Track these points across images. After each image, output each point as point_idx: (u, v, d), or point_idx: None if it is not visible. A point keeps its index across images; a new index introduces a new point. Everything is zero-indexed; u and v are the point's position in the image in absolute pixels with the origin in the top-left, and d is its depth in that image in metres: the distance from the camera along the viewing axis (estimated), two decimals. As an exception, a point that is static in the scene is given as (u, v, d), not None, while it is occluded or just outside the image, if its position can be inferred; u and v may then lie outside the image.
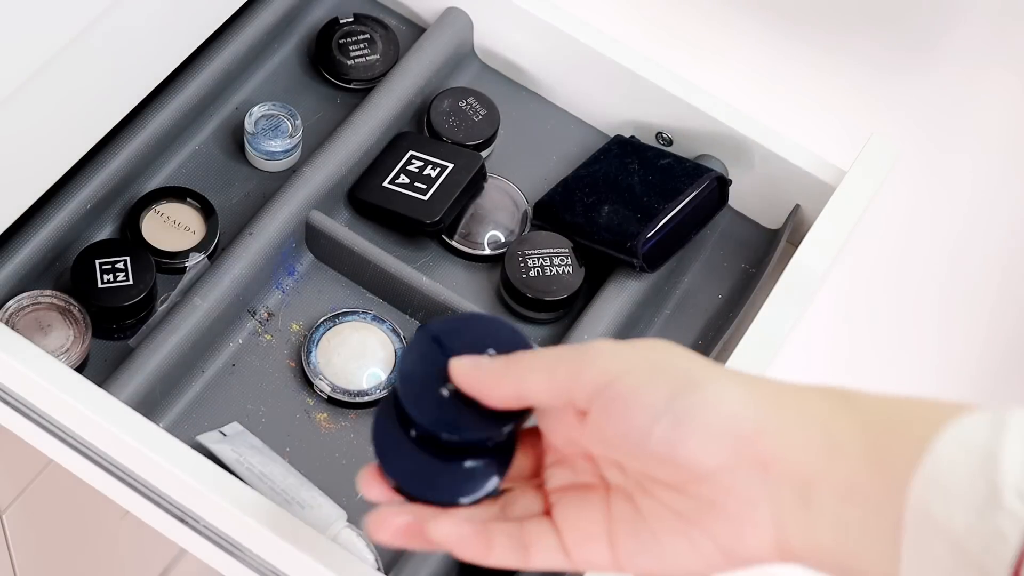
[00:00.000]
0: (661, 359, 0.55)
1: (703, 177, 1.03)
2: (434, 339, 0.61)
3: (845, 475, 0.52)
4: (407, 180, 1.04)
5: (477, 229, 1.05)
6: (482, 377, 0.58)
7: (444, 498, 0.58)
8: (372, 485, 0.61)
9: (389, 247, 1.04)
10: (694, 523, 0.55)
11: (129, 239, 1.00)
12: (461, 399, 0.59)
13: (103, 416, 0.87)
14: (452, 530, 0.57)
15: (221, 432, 0.95)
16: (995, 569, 0.48)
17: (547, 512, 0.60)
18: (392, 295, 1.02)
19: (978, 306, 1.48)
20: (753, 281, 1.05)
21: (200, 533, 0.90)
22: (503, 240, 1.05)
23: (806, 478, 0.53)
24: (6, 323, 0.93)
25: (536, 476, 0.62)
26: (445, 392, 0.60)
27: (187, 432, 0.95)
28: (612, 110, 1.10)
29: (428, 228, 1.03)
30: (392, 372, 0.99)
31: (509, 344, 0.60)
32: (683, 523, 0.55)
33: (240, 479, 0.89)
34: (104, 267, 0.97)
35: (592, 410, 0.55)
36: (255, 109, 1.05)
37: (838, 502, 0.52)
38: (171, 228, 1.01)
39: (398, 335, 1.00)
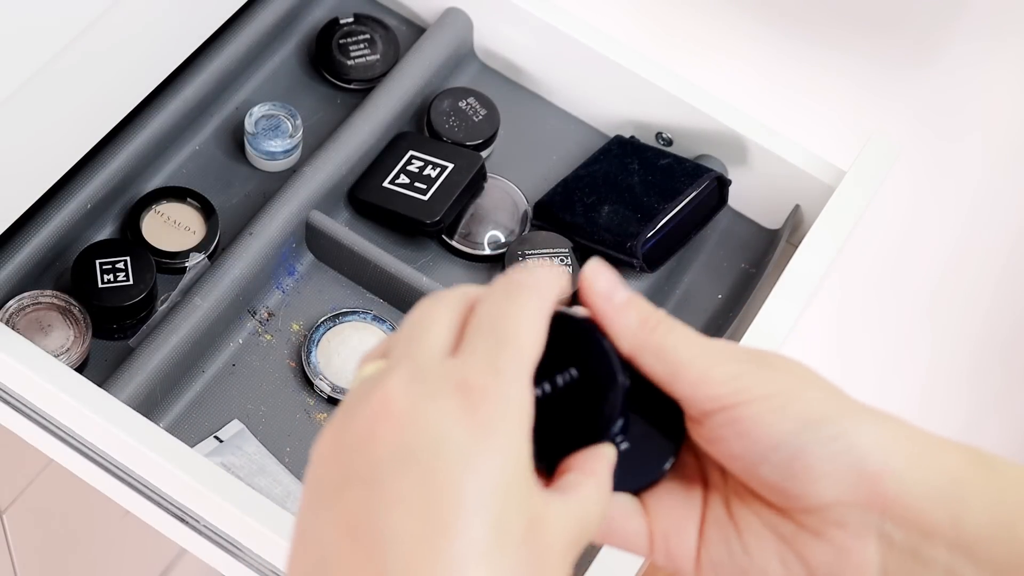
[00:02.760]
0: (794, 389, 0.52)
1: (703, 177, 1.03)
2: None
3: (969, 536, 0.50)
4: (407, 180, 1.04)
5: (477, 229, 1.05)
6: (616, 325, 0.54)
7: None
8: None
9: (389, 247, 1.04)
10: (793, 547, 0.53)
11: (129, 239, 1.00)
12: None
13: (103, 416, 0.87)
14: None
15: (217, 438, 0.95)
16: None
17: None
18: (392, 295, 1.02)
19: (977, 306, 1.48)
20: (753, 281, 1.05)
21: (200, 533, 0.90)
22: (503, 240, 1.05)
23: (925, 528, 0.50)
24: (6, 323, 0.93)
25: None
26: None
27: (187, 432, 0.95)
28: (612, 110, 1.10)
29: (428, 228, 1.03)
30: None
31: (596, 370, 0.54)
32: (780, 544, 0.53)
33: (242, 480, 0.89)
34: (104, 267, 0.97)
35: (706, 424, 0.53)
36: (255, 109, 1.05)
37: (953, 561, 0.50)
38: (171, 228, 1.01)
39: (398, 335, 1.00)
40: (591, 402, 0.53)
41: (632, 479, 0.55)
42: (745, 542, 0.54)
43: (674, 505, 0.55)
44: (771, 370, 0.52)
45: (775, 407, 0.51)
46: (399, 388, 0.47)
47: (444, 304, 0.51)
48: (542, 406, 0.52)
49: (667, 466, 0.55)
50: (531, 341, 0.49)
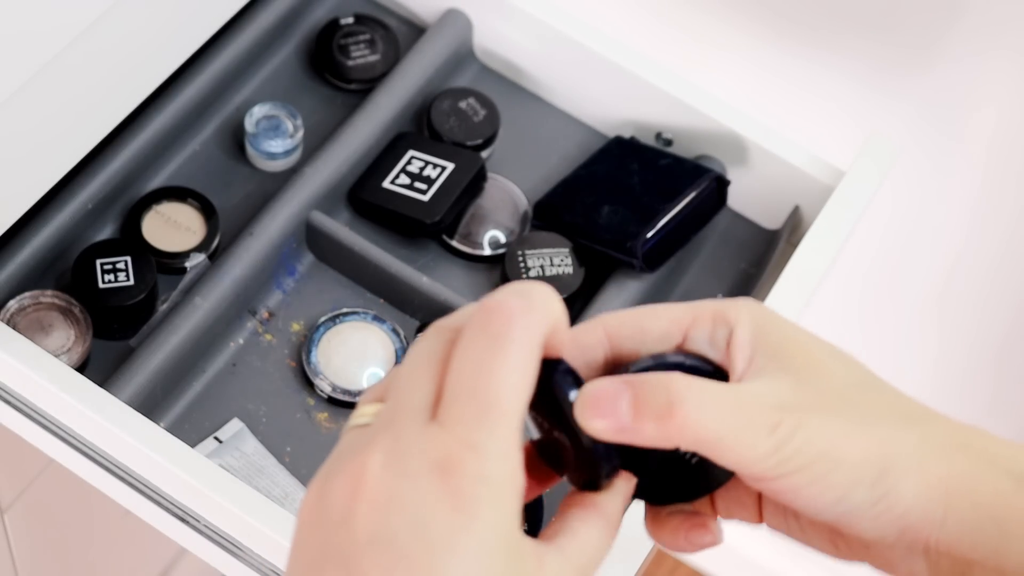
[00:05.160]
0: (833, 451, 0.50)
1: (703, 177, 1.03)
2: None
3: (1013, 564, 0.51)
4: (407, 180, 1.04)
5: (477, 229, 1.06)
6: (639, 441, 0.50)
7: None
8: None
9: (389, 247, 1.04)
10: (845, 542, 0.54)
11: (130, 239, 1.00)
12: None
13: (104, 416, 0.87)
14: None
15: (216, 439, 0.95)
16: None
17: None
18: (392, 295, 1.02)
19: (976, 306, 1.48)
20: (752, 281, 1.05)
21: (200, 532, 0.90)
22: (503, 240, 1.05)
23: (969, 561, 0.51)
24: (7, 323, 0.94)
25: None
26: None
27: (188, 432, 0.95)
28: (612, 110, 1.11)
29: (428, 228, 1.03)
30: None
31: None
32: (834, 535, 0.54)
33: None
34: (105, 267, 0.97)
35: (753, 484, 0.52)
36: (255, 109, 1.06)
37: None
38: (172, 228, 1.01)
39: (398, 335, 1.00)
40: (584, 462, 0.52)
41: (695, 489, 0.55)
42: (802, 524, 0.55)
43: (733, 485, 0.55)
44: (811, 429, 0.50)
45: (814, 478, 0.50)
46: (376, 465, 0.45)
47: (426, 352, 0.48)
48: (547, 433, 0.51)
49: (730, 475, 0.55)
50: (515, 404, 0.46)
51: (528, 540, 0.47)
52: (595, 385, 0.50)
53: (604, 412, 0.49)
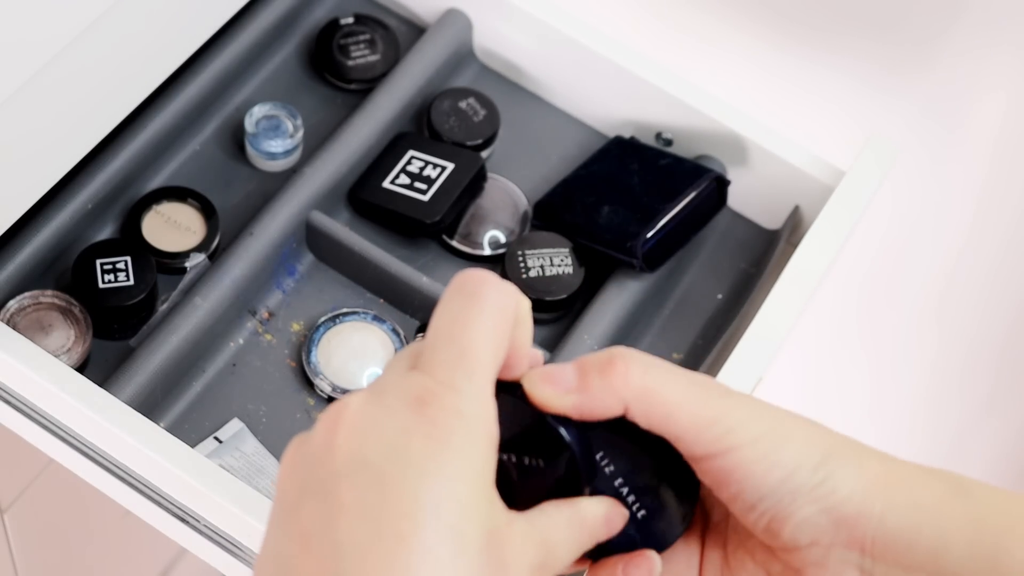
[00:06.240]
0: (778, 429, 0.52)
1: (703, 177, 1.03)
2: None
3: (950, 570, 0.51)
4: (407, 180, 1.04)
5: (477, 229, 1.06)
6: (592, 406, 0.52)
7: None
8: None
9: (389, 247, 1.04)
10: None
11: (130, 239, 1.00)
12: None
13: (104, 416, 0.87)
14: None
15: (216, 439, 0.95)
16: None
17: None
18: (392, 295, 1.02)
19: (976, 306, 1.48)
20: (752, 281, 1.05)
21: (201, 532, 0.90)
22: (503, 240, 1.05)
23: (906, 564, 0.51)
24: (7, 323, 0.94)
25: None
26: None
27: (188, 432, 0.95)
28: (612, 110, 1.11)
29: (428, 228, 1.03)
30: None
31: None
32: None
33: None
34: (105, 267, 0.97)
35: (699, 468, 0.53)
36: (255, 109, 1.06)
37: None
38: (172, 228, 1.01)
39: (398, 335, 1.00)
40: (561, 480, 0.52)
41: (648, 544, 0.55)
42: None
43: (676, 552, 0.56)
44: (752, 407, 0.52)
45: (761, 455, 0.51)
46: (358, 402, 0.47)
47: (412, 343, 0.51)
48: (514, 469, 0.52)
49: (680, 532, 0.55)
50: (490, 352, 0.48)
51: (500, 501, 0.48)
52: (544, 365, 0.53)
53: (552, 380, 0.51)
